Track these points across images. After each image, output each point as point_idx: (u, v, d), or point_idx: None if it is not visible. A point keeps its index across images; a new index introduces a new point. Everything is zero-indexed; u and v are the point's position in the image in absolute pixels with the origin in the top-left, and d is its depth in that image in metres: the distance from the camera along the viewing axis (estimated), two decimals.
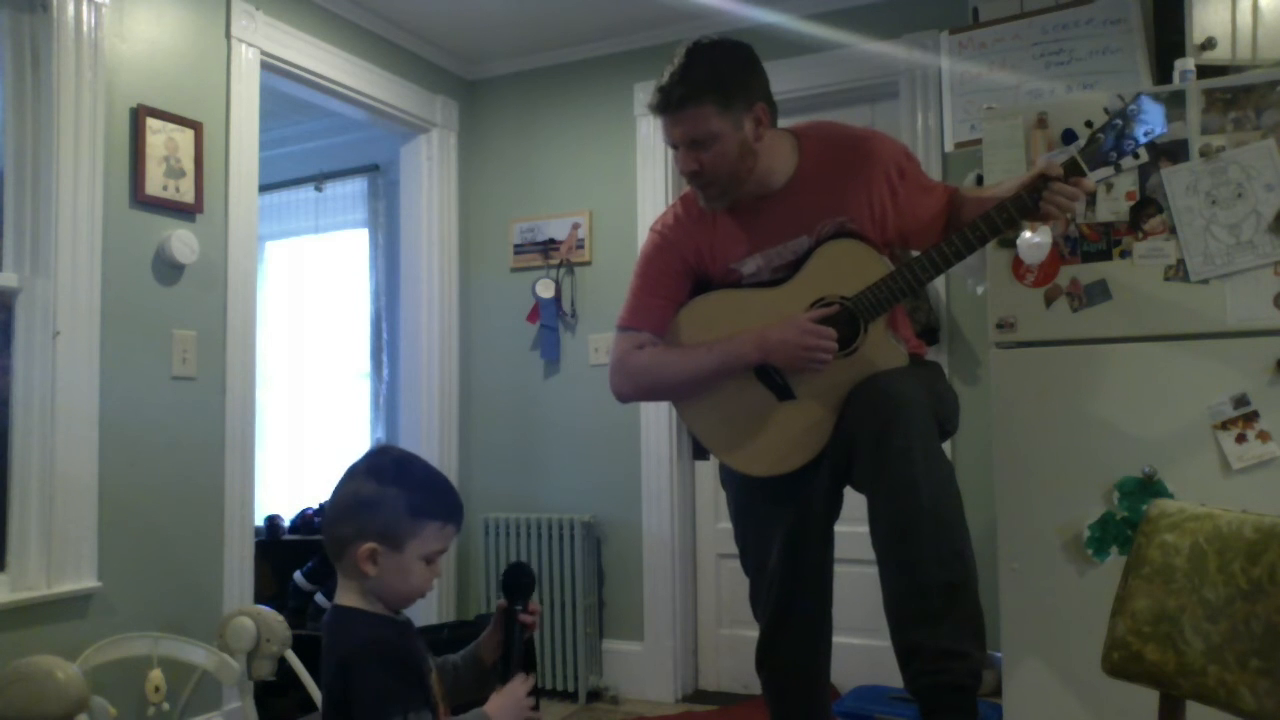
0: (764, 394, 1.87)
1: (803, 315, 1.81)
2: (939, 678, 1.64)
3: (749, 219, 1.90)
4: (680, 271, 1.94)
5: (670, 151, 3.50)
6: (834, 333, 1.79)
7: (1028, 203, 1.76)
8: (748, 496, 2.00)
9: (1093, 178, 1.78)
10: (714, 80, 1.78)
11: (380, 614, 1.35)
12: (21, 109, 2.42)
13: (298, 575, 3.70)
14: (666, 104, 1.81)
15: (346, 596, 1.36)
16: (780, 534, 1.91)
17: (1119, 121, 1.77)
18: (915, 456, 1.68)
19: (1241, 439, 1.95)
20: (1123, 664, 1.29)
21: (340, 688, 1.27)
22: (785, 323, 1.81)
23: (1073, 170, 1.75)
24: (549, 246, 3.70)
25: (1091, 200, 2.07)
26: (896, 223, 1.89)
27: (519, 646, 1.43)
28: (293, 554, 3.78)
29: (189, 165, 2.74)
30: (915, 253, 1.88)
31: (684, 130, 1.81)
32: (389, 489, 1.33)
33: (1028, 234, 1.97)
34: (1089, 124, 2.02)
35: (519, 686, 1.38)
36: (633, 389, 1.98)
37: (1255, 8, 2.24)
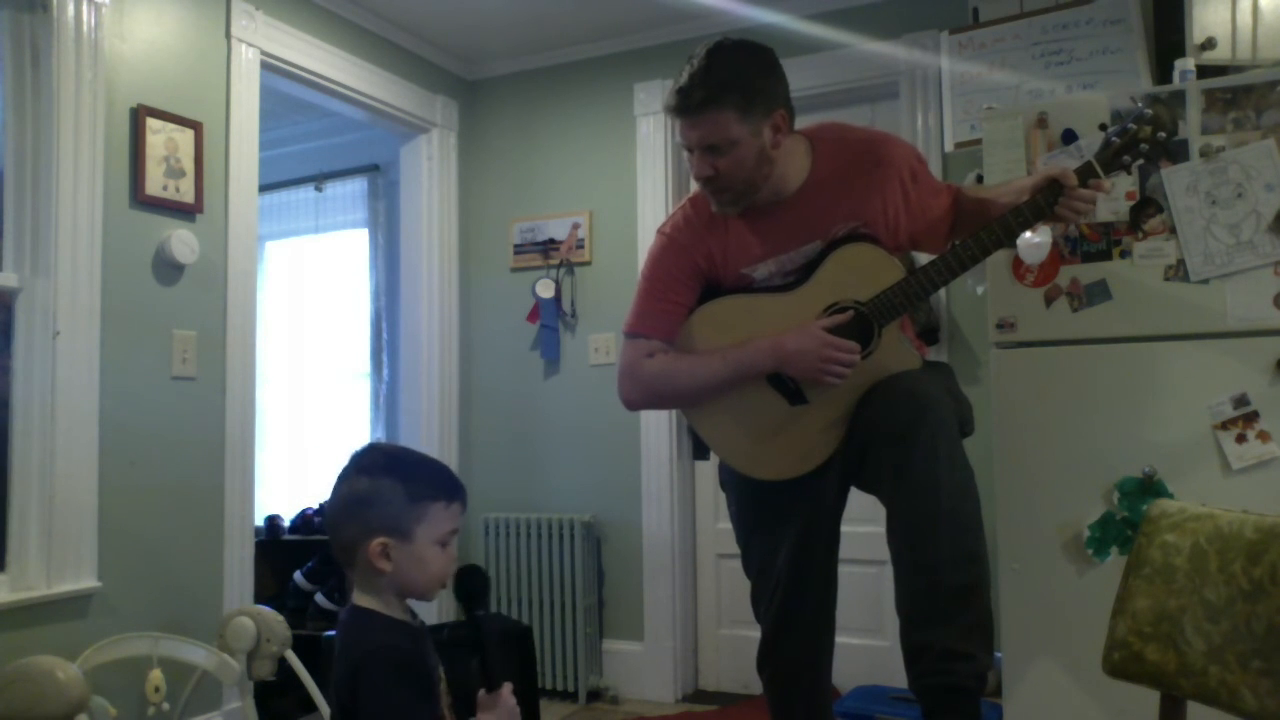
0: (775, 397, 1.84)
1: (817, 324, 1.78)
2: (944, 679, 1.64)
3: (762, 223, 1.86)
4: (690, 275, 1.89)
5: (671, 151, 3.55)
6: (855, 345, 1.76)
7: (1043, 206, 1.76)
8: (753, 500, 1.97)
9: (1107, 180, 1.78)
10: (736, 84, 1.73)
11: (397, 619, 1.34)
12: (21, 109, 2.42)
13: (298, 575, 3.70)
14: (685, 106, 1.74)
15: (364, 599, 1.34)
16: (788, 537, 1.89)
17: (1132, 125, 1.78)
18: (940, 457, 1.66)
19: (1241, 439, 1.95)
20: (1123, 664, 1.29)
21: (349, 692, 1.25)
22: (802, 332, 1.77)
23: (1088, 175, 1.76)
24: (549, 246, 3.69)
25: None
26: (908, 225, 1.88)
27: (492, 646, 1.40)
28: (293, 554, 3.77)
29: (189, 165, 2.74)
30: (921, 254, 1.87)
31: (701, 134, 1.75)
32: (384, 481, 1.33)
33: (1028, 234, 1.97)
34: (1102, 126, 2.03)
35: (507, 694, 1.36)
36: (643, 398, 1.93)
37: (1255, 8, 2.24)
